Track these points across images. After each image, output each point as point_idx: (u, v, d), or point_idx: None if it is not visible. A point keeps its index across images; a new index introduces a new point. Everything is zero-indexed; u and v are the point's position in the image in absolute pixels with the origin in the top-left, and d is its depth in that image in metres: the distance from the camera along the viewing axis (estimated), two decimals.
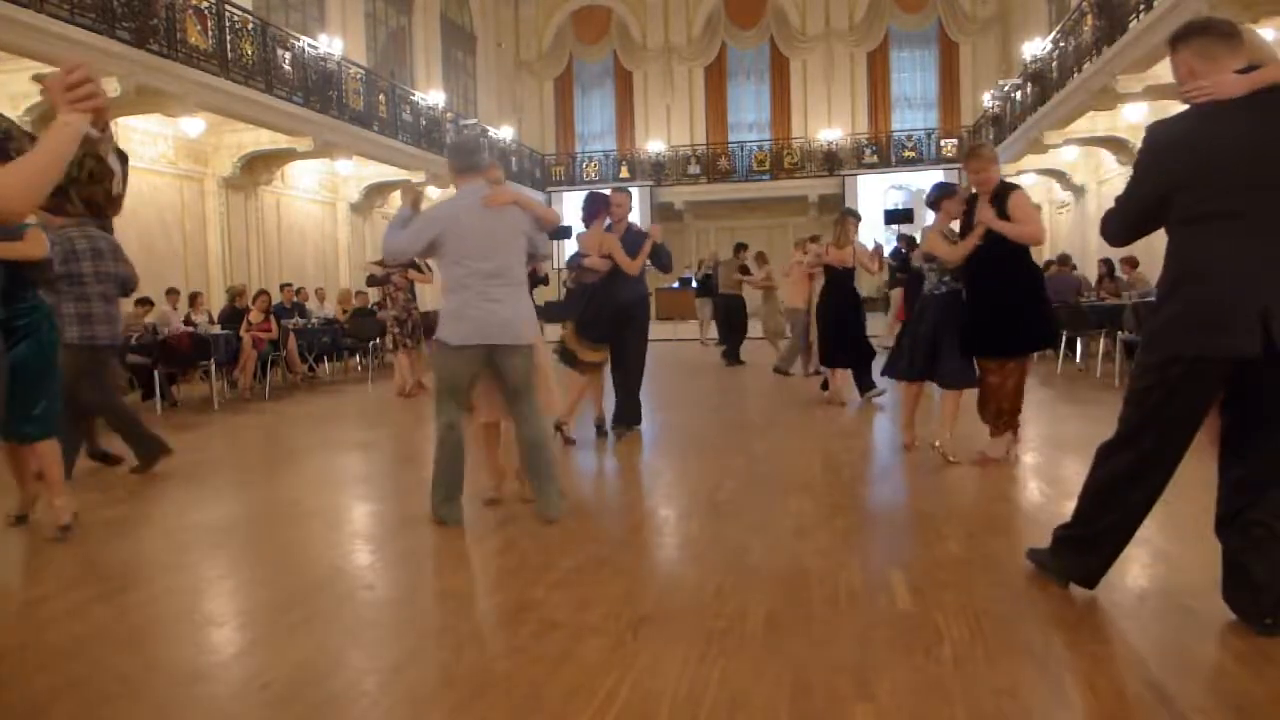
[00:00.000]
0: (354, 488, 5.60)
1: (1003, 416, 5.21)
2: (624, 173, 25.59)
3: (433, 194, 17.14)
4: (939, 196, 5.49)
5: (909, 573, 3.34)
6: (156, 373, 9.09)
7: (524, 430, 4.35)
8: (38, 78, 1.83)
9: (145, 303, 10.62)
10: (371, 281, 10.67)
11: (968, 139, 23.27)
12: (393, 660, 2.71)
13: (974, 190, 5.20)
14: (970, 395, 5.35)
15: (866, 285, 12.29)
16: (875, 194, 23.11)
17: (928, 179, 23.38)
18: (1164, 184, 2.75)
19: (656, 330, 20.68)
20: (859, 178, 23.74)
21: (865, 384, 8.31)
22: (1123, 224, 2.96)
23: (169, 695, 2.49)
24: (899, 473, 5.39)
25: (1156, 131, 2.83)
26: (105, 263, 5.73)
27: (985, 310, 5.07)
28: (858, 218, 8.70)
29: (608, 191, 6.58)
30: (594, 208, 6.44)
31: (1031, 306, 5.11)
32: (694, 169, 24.72)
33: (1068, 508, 4.36)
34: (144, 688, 2.54)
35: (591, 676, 2.52)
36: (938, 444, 5.39)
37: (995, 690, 2.37)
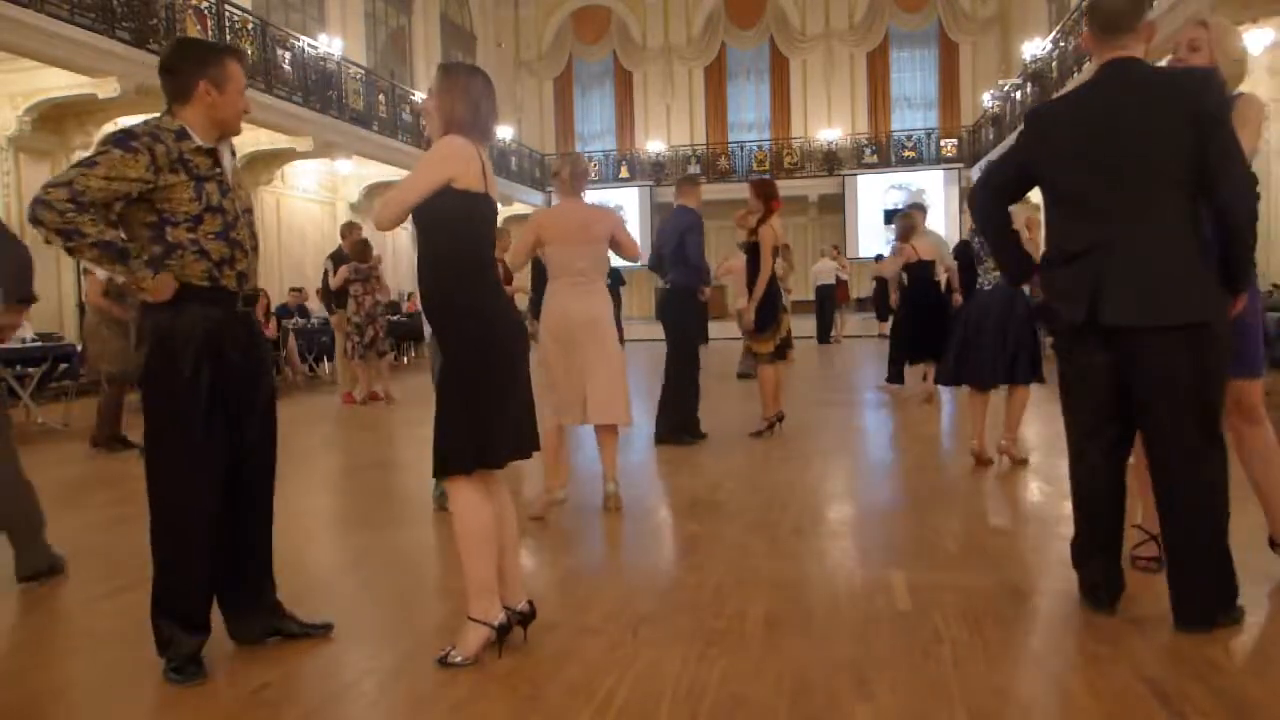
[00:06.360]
0: (353, 487, 5.60)
1: None
2: (624, 173, 25.58)
3: None
4: None
5: (909, 573, 3.34)
6: None
7: None
8: None
9: None
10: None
11: (968, 139, 23.29)
12: (392, 660, 2.71)
13: None
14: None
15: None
16: (875, 194, 23.07)
17: (928, 179, 23.44)
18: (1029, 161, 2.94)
19: (655, 330, 20.75)
20: (859, 178, 23.69)
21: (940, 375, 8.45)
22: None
23: (169, 694, 2.49)
24: (899, 473, 5.39)
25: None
26: None
27: None
28: (922, 210, 8.77)
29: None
30: (770, 193, 6.41)
31: None
32: (694, 169, 24.69)
33: (1067, 507, 4.38)
34: (145, 686, 2.54)
35: (591, 676, 2.52)
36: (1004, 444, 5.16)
37: (995, 690, 2.37)
